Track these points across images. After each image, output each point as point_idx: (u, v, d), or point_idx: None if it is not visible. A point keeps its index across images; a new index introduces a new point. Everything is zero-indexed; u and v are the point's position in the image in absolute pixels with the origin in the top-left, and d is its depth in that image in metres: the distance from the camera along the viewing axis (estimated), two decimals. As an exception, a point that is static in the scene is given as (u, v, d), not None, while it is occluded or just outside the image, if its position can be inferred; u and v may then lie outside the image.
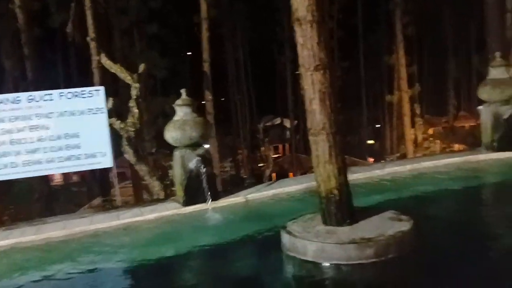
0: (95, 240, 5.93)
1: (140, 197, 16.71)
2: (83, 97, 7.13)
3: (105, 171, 15.57)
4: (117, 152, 11.54)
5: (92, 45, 12.25)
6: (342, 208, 4.74)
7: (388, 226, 4.61)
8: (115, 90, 16.93)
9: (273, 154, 35.82)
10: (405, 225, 4.59)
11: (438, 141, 30.31)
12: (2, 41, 18.25)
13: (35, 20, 18.91)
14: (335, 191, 4.71)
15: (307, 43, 4.59)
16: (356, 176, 7.56)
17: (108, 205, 13.29)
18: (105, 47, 13.23)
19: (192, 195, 6.67)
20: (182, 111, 6.82)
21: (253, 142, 35.93)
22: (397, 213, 4.94)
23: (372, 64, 34.06)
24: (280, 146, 40.66)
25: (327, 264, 4.32)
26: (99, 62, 12.09)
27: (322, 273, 4.32)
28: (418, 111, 29.09)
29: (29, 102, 6.92)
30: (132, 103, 10.44)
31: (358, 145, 36.83)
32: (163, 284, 4.64)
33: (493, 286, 3.79)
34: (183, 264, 5.08)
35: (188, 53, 35.23)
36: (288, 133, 38.72)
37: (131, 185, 18.48)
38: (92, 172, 20.73)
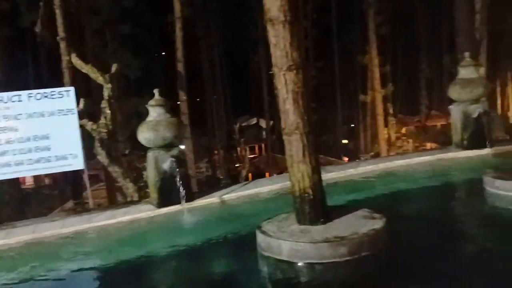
0: (66, 244, 5.79)
1: (114, 199, 16.48)
2: (52, 98, 6.98)
3: (77, 173, 15.29)
4: (90, 154, 11.36)
5: (62, 44, 12.01)
6: (316, 207, 4.76)
7: (361, 224, 4.65)
8: (88, 90, 16.67)
9: (249, 155, 35.80)
10: (378, 223, 4.63)
11: (410, 140, 30.89)
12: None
13: (4, 20, 18.47)
14: (309, 190, 4.73)
15: (280, 43, 4.59)
16: (330, 175, 7.62)
17: (80, 208, 13.05)
18: (76, 47, 12.99)
19: (166, 197, 6.59)
20: (155, 112, 6.74)
21: (229, 143, 35.87)
22: (370, 211, 4.99)
23: (347, 64, 34.42)
24: (256, 146, 40.69)
25: (301, 263, 4.33)
26: (69, 62, 11.86)
27: (296, 272, 4.33)
28: (391, 110, 29.58)
29: (-4, 103, 6.73)
30: (104, 104, 10.27)
31: (333, 144, 37.15)
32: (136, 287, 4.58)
33: (465, 283, 3.85)
34: (156, 267, 5.02)
35: (162, 53, 34.94)
36: (264, 133, 38.79)
37: (105, 187, 18.20)
38: (65, 174, 20.34)
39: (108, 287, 4.86)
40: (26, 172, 7.31)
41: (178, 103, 19.35)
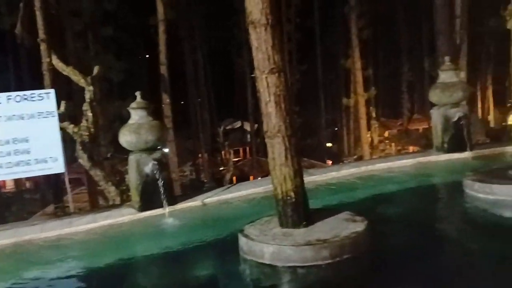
0: (45, 248, 5.71)
1: (96, 203, 16.29)
2: (32, 101, 6.88)
3: (58, 177, 15.09)
4: (72, 158, 11.22)
5: (43, 47, 11.85)
6: (298, 210, 4.78)
7: (343, 227, 4.68)
8: (69, 93, 16.47)
9: (234, 158, 35.72)
10: (359, 226, 4.66)
11: (393, 144, 31.21)
12: None
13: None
14: (291, 193, 4.75)
15: (261, 46, 4.61)
16: (313, 178, 7.66)
17: (60, 212, 12.86)
18: (57, 49, 12.82)
19: (148, 200, 6.54)
20: (137, 115, 6.68)
21: (214, 146, 35.75)
22: (352, 214, 5.02)
23: (330, 67, 34.65)
24: (241, 150, 40.58)
25: (283, 266, 4.33)
26: (49, 64, 11.70)
27: (278, 275, 4.33)
28: (374, 114, 29.85)
29: (-25, 105, 6.61)
30: (86, 107, 10.16)
31: (317, 148, 37.30)
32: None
33: (446, 284, 3.89)
34: (137, 271, 4.98)
35: (146, 55, 34.71)
36: (248, 136, 38.76)
37: (87, 191, 17.99)
38: (46, 178, 20.06)
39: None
40: (5, 175, 7.18)
41: (162, 105, 19.23)
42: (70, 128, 9.96)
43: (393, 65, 35.68)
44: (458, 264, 4.21)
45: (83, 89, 10.65)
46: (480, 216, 5.73)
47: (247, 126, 38.60)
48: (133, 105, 6.71)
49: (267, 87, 4.65)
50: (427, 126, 31.05)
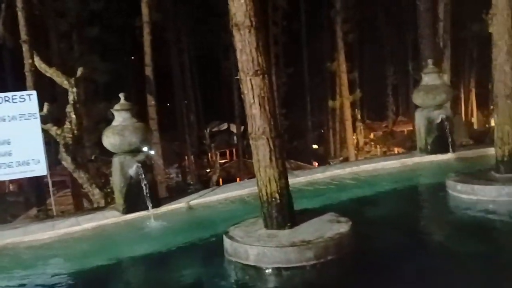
0: (27, 251, 5.64)
1: (80, 206, 16.10)
2: (14, 102, 6.79)
3: (41, 179, 14.89)
4: (57, 160, 11.07)
5: (25, 48, 11.69)
6: (283, 211, 4.79)
7: (327, 228, 4.70)
8: (53, 95, 16.28)
9: (220, 160, 35.62)
10: (343, 227, 4.69)
11: (378, 145, 31.47)
12: None
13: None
14: (276, 195, 4.76)
15: (245, 48, 4.61)
16: (298, 179, 7.70)
17: (43, 215, 12.69)
18: (41, 50, 12.68)
19: (132, 203, 6.49)
20: (121, 116, 6.63)
21: (200, 148, 35.64)
22: (336, 215, 5.05)
23: (316, 70, 34.80)
24: (227, 151, 40.49)
25: (268, 268, 4.34)
26: (32, 65, 11.55)
27: (263, 277, 4.34)
28: (359, 116, 30.07)
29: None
30: (69, 108, 10.02)
31: (304, 149, 37.42)
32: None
33: (429, 284, 3.92)
34: (120, 274, 4.93)
35: (132, 57, 34.48)
36: (235, 138, 38.71)
37: (71, 193, 17.79)
38: (30, 181, 19.77)
39: (71, 296, 4.73)
40: (-13, 178, 7.07)
41: (148, 107, 19.11)
42: (53, 130, 9.82)
43: (378, 68, 35.98)
44: (442, 265, 4.24)
45: (67, 90, 10.52)
46: (463, 216, 5.80)
47: (234, 128, 38.56)
48: (116, 106, 6.66)
49: (251, 89, 4.66)
50: (411, 128, 31.30)
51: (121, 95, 6.72)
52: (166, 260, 5.11)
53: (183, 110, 34.08)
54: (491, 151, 6.40)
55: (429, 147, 8.69)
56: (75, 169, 10.19)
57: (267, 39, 23.96)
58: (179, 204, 6.84)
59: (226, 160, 37.73)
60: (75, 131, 10.08)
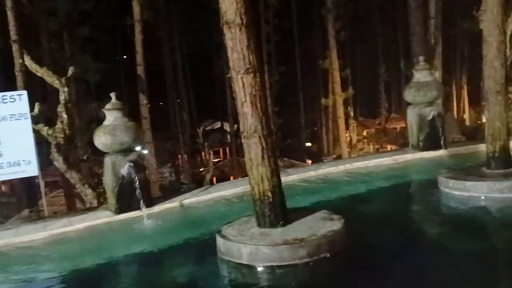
0: (19, 252, 5.60)
1: (73, 206, 16.02)
2: (4, 102, 6.74)
3: (33, 180, 14.78)
4: (49, 160, 11.00)
5: (15, 47, 11.58)
6: (276, 209, 4.79)
7: (320, 226, 4.70)
8: (45, 95, 16.18)
9: (214, 159, 35.59)
10: (336, 224, 4.69)
11: (371, 143, 31.57)
12: None
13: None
14: (268, 193, 4.75)
15: (236, 46, 4.60)
16: (291, 177, 7.70)
17: (35, 216, 12.61)
18: (32, 50, 12.57)
19: (125, 203, 6.46)
20: (112, 116, 6.59)
21: (193, 147, 35.57)
22: (329, 212, 5.06)
23: (309, 68, 34.85)
24: (221, 150, 40.46)
25: (261, 266, 4.33)
26: (22, 65, 11.44)
27: (256, 275, 4.34)
28: (352, 113, 30.13)
29: None
30: (60, 108, 9.95)
31: (297, 147, 37.50)
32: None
33: (421, 282, 3.92)
34: (113, 274, 4.89)
35: (124, 56, 34.32)
36: (228, 137, 38.68)
37: (63, 194, 17.70)
38: (22, 181, 19.64)
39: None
40: (-23, 179, 7.02)
41: (140, 106, 19.04)
42: (45, 130, 9.75)
43: (370, 65, 36.10)
44: (434, 262, 4.26)
45: (58, 90, 10.45)
46: (454, 213, 5.83)
47: (227, 127, 38.52)
48: (108, 106, 6.62)
49: (243, 87, 4.65)
50: (404, 125, 31.48)
51: (112, 95, 6.69)
52: (159, 260, 5.09)
53: (176, 109, 33.99)
54: (483, 147, 6.43)
55: (421, 143, 8.72)
56: (67, 169, 10.12)
57: (259, 37, 23.97)
58: (172, 204, 6.82)
59: (219, 159, 37.73)
60: (67, 131, 10.02)
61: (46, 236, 6.00)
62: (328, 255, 4.34)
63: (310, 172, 8.05)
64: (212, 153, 33.95)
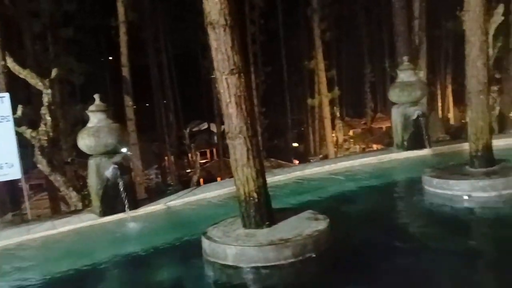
0: (1, 256, 5.50)
1: (57, 209, 15.84)
2: (-15, 105, 6.62)
3: (17, 183, 14.59)
4: (34, 163, 10.85)
5: (-4, 49, 11.44)
6: (261, 210, 4.78)
7: (305, 226, 4.70)
8: (28, 97, 15.98)
9: (201, 160, 35.48)
10: (321, 224, 4.70)
11: (357, 142, 31.76)
12: None
13: None
14: (254, 194, 4.74)
15: (221, 47, 4.58)
16: (277, 178, 7.71)
17: (18, 220, 12.43)
18: (14, 52, 12.39)
19: (109, 205, 6.39)
20: (96, 118, 6.53)
21: (180, 148, 35.44)
22: (314, 212, 5.07)
23: (295, 69, 34.97)
24: (208, 151, 40.38)
25: (247, 267, 4.32)
26: (4, 67, 11.29)
27: (242, 276, 4.32)
28: (338, 114, 30.27)
29: None
30: (44, 110, 9.83)
31: (284, 148, 37.60)
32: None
33: (406, 281, 3.94)
34: (97, 278, 4.84)
35: (109, 58, 34.09)
36: (215, 137, 38.61)
37: (48, 197, 17.50)
38: (5, 184, 19.36)
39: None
40: (-42, 183, 6.90)
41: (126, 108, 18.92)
42: (28, 132, 9.63)
43: (355, 66, 36.34)
44: (419, 261, 4.29)
45: (42, 92, 10.33)
46: (439, 212, 5.88)
47: (214, 128, 38.47)
48: (91, 108, 6.55)
49: (227, 88, 4.63)
50: (389, 125, 31.73)
51: (96, 96, 6.62)
52: (143, 262, 5.04)
53: (162, 110, 33.85)
54: (466, 146, 6.50)
55: (405, 143, 8.79)
56: (51, 172, 10.00)
57: (244, 38, 23.94)
58: (157, 206, 6.77)
59: (206, 160, 37.64)
60: (50, 133, 9.90)
61: (29, 240, 5.91)
62: (314, 255, 4.35)
63: (296, 173, 8.06)
64: (199, 154, 33.82)
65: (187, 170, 33.88)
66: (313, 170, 8.17)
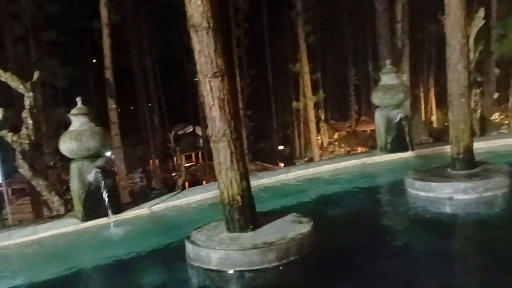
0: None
1: (40, 214, 15.61)
2: (-35, 108, 6.50)
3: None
4: (16, 167, 10.68)
5: (-24, 52, 11.25)
6: (245, 213, 4.76)
7: (289, 229, 4.71)
8: (10, 100, 15.74)
9: (186, 163, 35.32)
10: (305, 227, 4.71)
11: (342, 145, 31.97)
12: None
13: None
14: (238, 197, 4.73)
15: (204, 50, 4.57)
16: (262, 181, 7.71)
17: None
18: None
19: (92, 210, 6.32)
20: (78, 121, 6.46)
21: (165, 152, 35.21)
22: (298, 215, 5.07)
23: (280, 72, 35.05)
24: (193, 155, 40.18)
25: (230, 271, 4.31)
26: (-17, 70, 11.08)
27: (225, 281, 4.31)
28: (323, 116, 30.43)
29: None
30: (25, 114, 9.66)
31: (270, 151, 37.61)
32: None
33: (390, 282, 3.97)
34: (78, 283, 4.77)
35: (93, 60, 33.74)
36: (201, 141, 38.46)
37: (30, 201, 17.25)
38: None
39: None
40: None
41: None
42: (9, 136, 9.44)
43: (340, 69, 36.59)
44: (402, 263, 4.31)
45: (23, 95, 10.17)
46: (420, 214, 5.92)
47: (199, 131, 38.32)
48: (73, 111, 6.48)
49: (211, 91, 4.62)
50: (374, 128, 32.00)
51: (78, 99, 6.56)
52: (126, 268, 4.99)
53: (146, 113, 33.60)
54: (448, 148, 6.56)
55: (388, 146, 8.86)
56: (33, 176, 9.83)
57: (228, 41, 23.92)
58: (140, 210, 6.71)
59: (192, 163, 37.47)
60: (32, 137, 9.72)
61: (10, 245, 5.82)
62: (298, 258, 4.35)
63: (280, 176, 8.07)
64: (184, 157, 33.67)
65: (172, 173, 33.70)
66: (298, 173, 8.19)
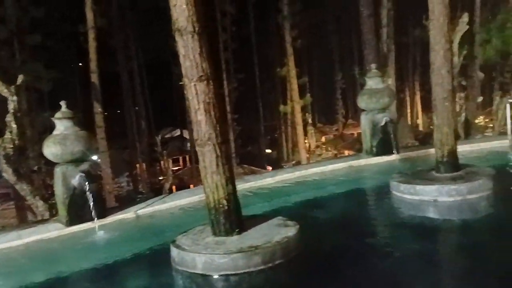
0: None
1: (24, 218, 15.41)
2: None
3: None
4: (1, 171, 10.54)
5: (-41, 56, 11.12)
6: (231, 217, 4.75)
7: (275, 232, 4.71)
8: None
9: (173, 167, 35.19)
10: (291, 231, 4.71)
11: (329, 148, 32.12)
12: None
13: None
14: (223, 201, 4.71)
15: (189, 53, 4.56)
16: (248, 184, 7.71)
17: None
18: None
19: (76, 214, 6.25)
20: (62, 125, 6.39)
21: (152, 156, 35.04)
22: (284, 219, 5.07)
23: (267, 75, 35.15)
24: (180, 158, 40.07)
25: (216, 275, 4.29)
26: (-33, 73, 10.97)
27: (211, 285, 4.29)
28: (310, 120, 30.56)
29: None
30: (9, 118, 9.58)
31: (258, 154, 37.65)
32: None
33: (375, 285, 3.99)
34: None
35: (78, 64, 33.48)
36: (188, 144, 38.35)
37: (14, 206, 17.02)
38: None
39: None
40: None
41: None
42: (-8, 140, 9.36)
43: (326, 73, 36.82)
44: (387, 266, 4.34)
45: (7, 99, 10.06)
46: (405, 217, 5.99)
47: (187, 134, 38.22)
48: (57, 115, 6.41)
49: (196, 94, 4.61)
50: (360, 131, 32.22)
51: (63, 103, 6.49)
52: (110, 273, 4.94)
53: (133, 117, 33.40)
54: (433, 151, 6.63)
55: (374, 149, 8.93)
56: (17, 181, 9.73)
57: (214, 44, 23.91)
58: (126, 214, 6.65)
59: (179, 167, 37.36)
60: (16, 141, 9.64)
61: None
62: (283, 262, 4.35)
63: (267, 179, 8.07)
64: (171, 161, 33.55)
65: (159, 177, 33.54)
66: (284, 176, 8.20)
